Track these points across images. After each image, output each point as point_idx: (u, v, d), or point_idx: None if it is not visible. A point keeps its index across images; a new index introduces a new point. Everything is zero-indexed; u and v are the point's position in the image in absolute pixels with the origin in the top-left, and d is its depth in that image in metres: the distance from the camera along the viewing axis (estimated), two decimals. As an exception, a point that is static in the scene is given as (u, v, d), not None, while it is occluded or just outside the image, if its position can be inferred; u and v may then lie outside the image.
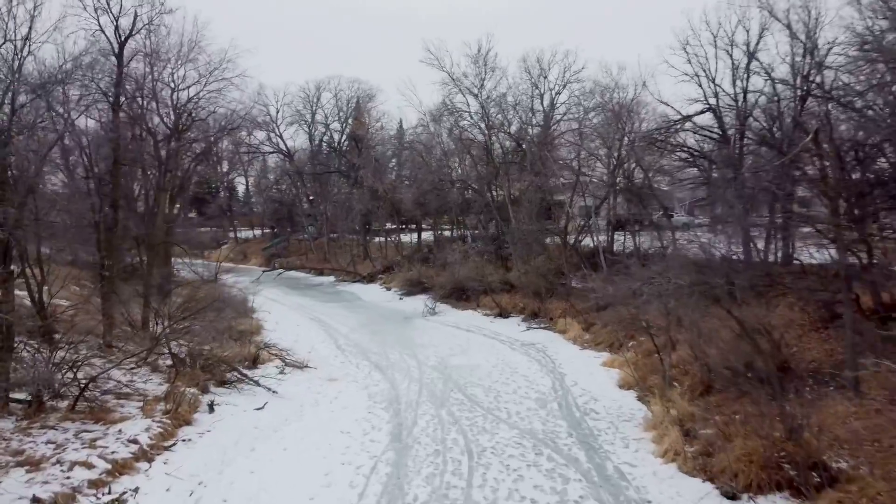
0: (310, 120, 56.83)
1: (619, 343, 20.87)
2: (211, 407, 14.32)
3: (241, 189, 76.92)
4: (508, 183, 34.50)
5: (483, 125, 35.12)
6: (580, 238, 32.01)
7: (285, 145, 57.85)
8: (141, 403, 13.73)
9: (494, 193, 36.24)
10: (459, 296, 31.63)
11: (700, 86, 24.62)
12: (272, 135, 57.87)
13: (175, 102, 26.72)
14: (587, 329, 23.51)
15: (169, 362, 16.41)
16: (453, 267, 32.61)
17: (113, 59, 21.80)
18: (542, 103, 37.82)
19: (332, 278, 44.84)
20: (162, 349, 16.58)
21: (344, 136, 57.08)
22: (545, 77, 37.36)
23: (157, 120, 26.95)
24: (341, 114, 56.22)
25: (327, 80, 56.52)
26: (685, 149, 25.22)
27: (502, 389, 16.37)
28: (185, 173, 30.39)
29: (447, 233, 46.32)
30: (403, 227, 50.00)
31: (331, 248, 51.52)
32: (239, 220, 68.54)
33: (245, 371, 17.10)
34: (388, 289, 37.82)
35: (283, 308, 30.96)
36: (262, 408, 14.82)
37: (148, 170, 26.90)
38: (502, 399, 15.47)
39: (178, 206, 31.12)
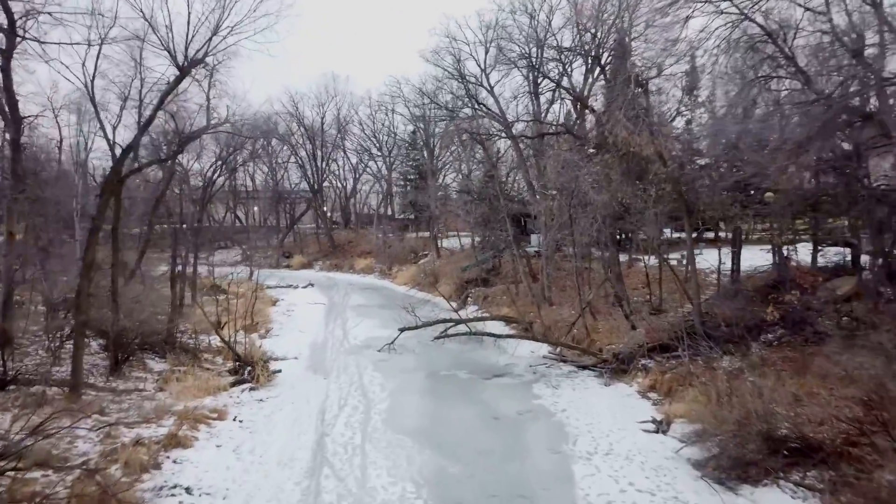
0: (537, 55, 33.94)
1: None
2: None
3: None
4: None
5: None
6: None
7: (498, 105, 35.87)
8: None
9: None
10: None
11: None
12: (479, 88, 36.78)
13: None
14: None
15: None
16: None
17: None
18: None
19: (542, 351, 21.32)
20: None
21: (593, 76, 32.91)
22: None
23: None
24: (585, 43, 32.03)
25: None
26: None
27: None
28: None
29: (806, 253, 19.47)
30: (711, 231, 24.23)
31: (557, 277, 28.06)
32: (447, 224, 48.83)
33: None
34: (664, 424, 13.16)
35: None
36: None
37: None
38: None
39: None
